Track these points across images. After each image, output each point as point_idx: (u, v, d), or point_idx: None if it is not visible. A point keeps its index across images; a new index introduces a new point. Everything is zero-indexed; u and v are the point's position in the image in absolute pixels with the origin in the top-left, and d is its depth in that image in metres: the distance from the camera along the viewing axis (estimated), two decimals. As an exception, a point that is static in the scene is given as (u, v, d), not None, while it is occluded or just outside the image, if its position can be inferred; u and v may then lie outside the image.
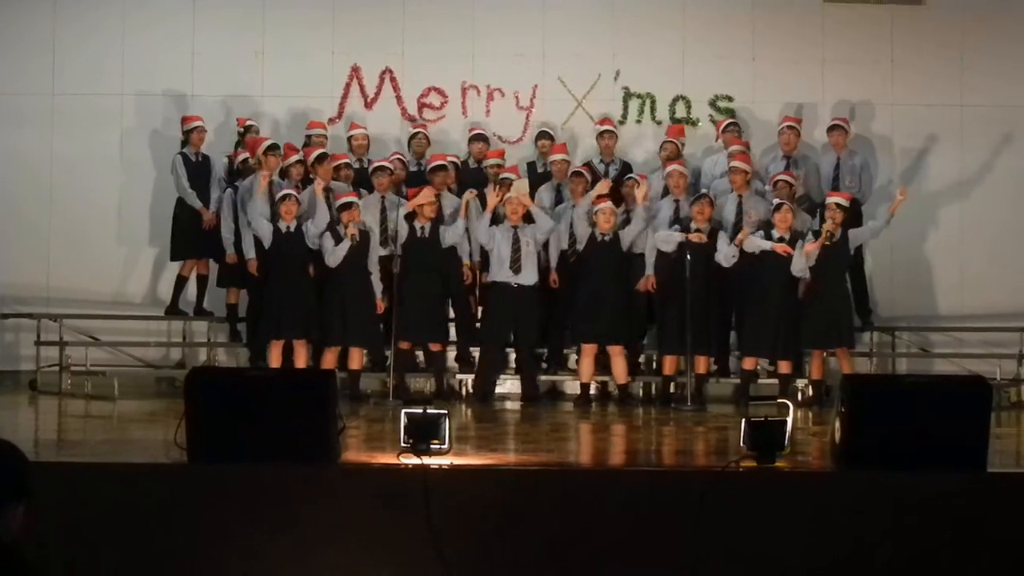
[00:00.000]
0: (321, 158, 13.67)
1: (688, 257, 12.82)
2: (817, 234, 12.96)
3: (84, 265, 15.05)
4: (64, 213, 15.21)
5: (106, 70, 15.31)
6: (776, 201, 13.27)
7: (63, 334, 14.28)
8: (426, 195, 13.31)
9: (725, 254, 13.02)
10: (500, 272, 13.20)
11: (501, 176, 13.83)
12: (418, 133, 14.70)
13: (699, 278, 12.92)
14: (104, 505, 8.16)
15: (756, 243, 13.01)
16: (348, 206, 12.97)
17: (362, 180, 14.06)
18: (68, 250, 15.11)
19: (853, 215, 13.58)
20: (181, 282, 14.49)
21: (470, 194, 13.61)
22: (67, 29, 15.38)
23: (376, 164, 13.87)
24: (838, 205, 13.07)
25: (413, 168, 14.43)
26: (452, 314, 13.85)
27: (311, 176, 13.65)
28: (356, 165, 14.31)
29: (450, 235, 13.35)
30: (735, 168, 13.69)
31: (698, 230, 13.06)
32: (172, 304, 14.54)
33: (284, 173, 13.63)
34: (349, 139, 14.62)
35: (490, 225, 13.31)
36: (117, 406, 12.88)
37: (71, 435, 11.61)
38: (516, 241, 13.19)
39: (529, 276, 13.22)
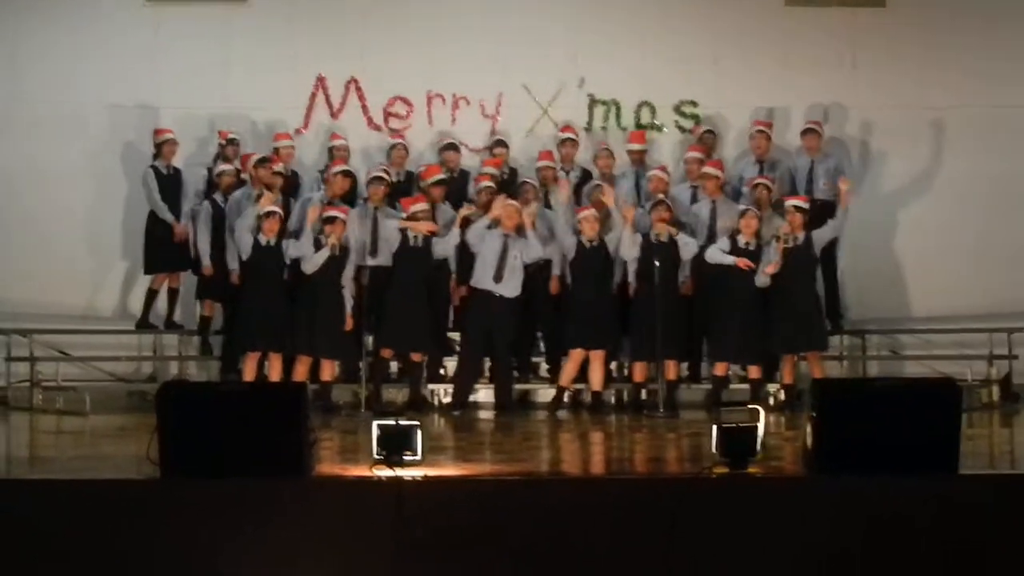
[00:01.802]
0: (347, 174, 13.80)
1: (656, 263, 12.83)
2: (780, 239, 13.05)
3: (53, 279, 14.93)
4: (30, 226, 15.11)
5: (69, 80, 15.26)
6: (741, 207, 13.33)
7: (33, 350, 14.21)
8: (421, 207, 13.36)
9: (687, 249, 13.23)
10: (483, 279, 13.14)
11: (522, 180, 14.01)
12: (397, 144, 14.69)
13: (668, 283, 12.97)
14: (77, 521, 8.11)
15: (718, 258, 13.08)
16: (333, 220, 13.03)
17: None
18: (36, 263, 14.96)
19: (824, 217, 13.63)
20: (152, 296, 14.43)
21: (467, 209, 13.55)
22: (29, 39, 15.32)
23: (374, 173, 13.86)
24: (796, 208, 13.17)
25: (393, 179, 14.36)
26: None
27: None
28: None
29: (441, 248, 13.35)
30: (706, 174, 13.78)
31: (658, 236, 13.13)
32: (143, 318, 14.48)
33: (266, 184, 13.65)
34: (331, 149, 14.58)
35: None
36: (89, 421, 12.79)
37: (43, 451, 11.52)
38: (504, 249, 13.13)
39: (511, 288, 13.15)
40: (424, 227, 13.23)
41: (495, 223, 13.27)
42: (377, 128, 15.42)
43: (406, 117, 15.52)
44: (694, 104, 15.47)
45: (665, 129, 15.45)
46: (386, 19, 15.51)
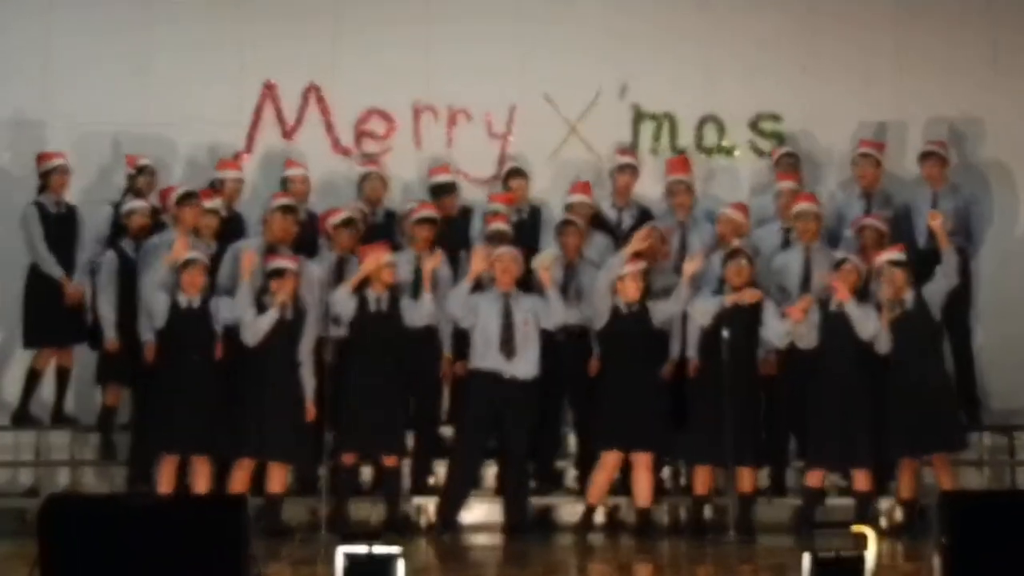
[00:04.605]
0: (288, 210, 13.63)
1: (724, 333, 12.77)
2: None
3: None
4: None
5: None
6: (839, 255, 13.29)
7: None
8: (377, 257, 13.22)
9: (776, 331, 13.04)
10: (486, 356, 13.13)
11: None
12: (370, 173, 14.65)
13: (742, 361, 12.91)
14: None
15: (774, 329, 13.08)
16: (280, 273, 12.95)
17: (303, 236, 14.01)
18: None
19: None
20: (34, 379, 14.35)
21: (435, 259, 13.47)
22: None
23: (342, 215, 13.77)
24: (893, 263, 13.06)
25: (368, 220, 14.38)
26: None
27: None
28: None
29: (414, 313, 13.28)
30: (803, 212, 13.68)
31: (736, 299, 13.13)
32: (20, 409, 14.37)
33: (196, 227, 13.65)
34: (284, 181, 14.51)
35: (471, 292, 13.28)
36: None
37: None
38: (507, 315, 13.14)
39: (526, 366, 13.15)
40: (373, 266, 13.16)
41: (488, 282, 13.33)
42: (345, 152, 15.51)
43: (385, 137, 15.64)
44: (776, 119, 15.53)
45: (737, 152, 15.43)
46: (359, 8, 15.63)
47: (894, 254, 13.16)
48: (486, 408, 13.11)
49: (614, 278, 13.22)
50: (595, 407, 13.26)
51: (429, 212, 13.88)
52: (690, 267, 13.24)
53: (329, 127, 15.59)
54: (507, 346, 13.05)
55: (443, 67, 15.57)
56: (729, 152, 15.53)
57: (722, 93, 15.59)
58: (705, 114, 15.59)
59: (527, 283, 13.39)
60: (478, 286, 13.33)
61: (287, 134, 15.56)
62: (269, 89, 15.55)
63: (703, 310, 13.10)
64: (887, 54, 15.63)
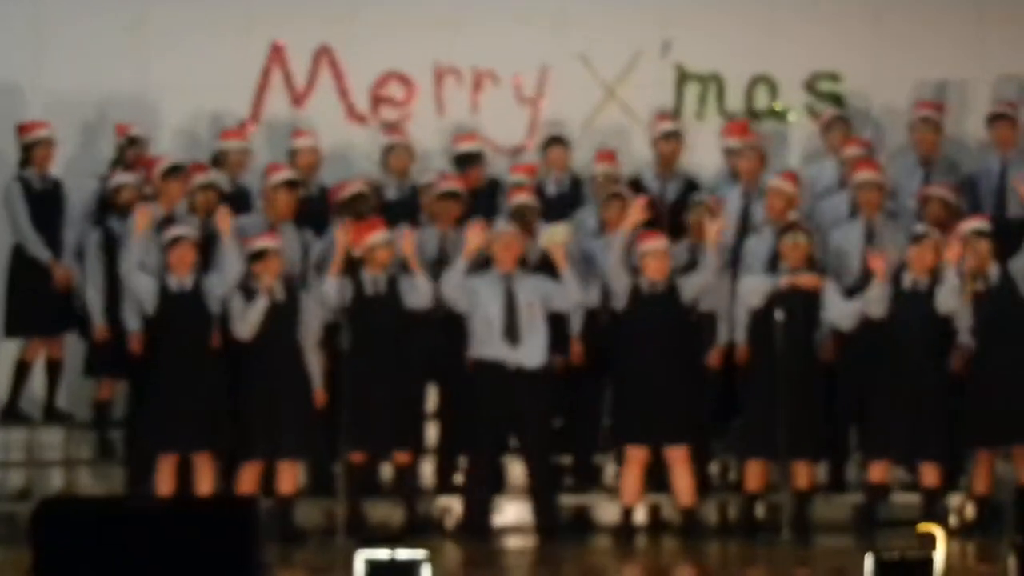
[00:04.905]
0: (291, 186, 13.68)
1: (778, 315, 12.76)
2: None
3: None
4: None
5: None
6: (920, 229, 13.20)
7: None
8: (348, 235, 13.21)
9: (842, 311, 13.01)
10: (488, 344, 13.17)
11: None
12: (396, 144, 14.66)
13: (798, 346, 12.88)
14: None
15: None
16: (262, 255, 12.95)
17: (314, 212, 14.07)
18: None
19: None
20: (23, 371, 14.37)
21: (409, 238, 13.44)
22: None
23: (351, 190, 13.77)
24: (978, 233, 13.04)
25: (392, 195, 14.44)
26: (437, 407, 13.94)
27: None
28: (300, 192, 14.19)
29: (414, 293, 13.29)
30: (865, 183, 13.63)
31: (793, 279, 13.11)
32: (9, 405, 14.40)
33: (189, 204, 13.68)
34: (293, 153, 14.52)
35: (468, 274, 13.28)
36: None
37: None
38: (510, 298, 13.15)
39: (533, 352, 13.20)
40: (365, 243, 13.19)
41: (484, 261, 13.33)
42: (361, 119, 15.47)
43: (404, 103, 15.63)
44: (835, 78, 15.46)
45: (791, 116, 15.38)
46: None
47: (979, 223, 13.16)
48: (493, 401, 13.14)
49: (621, 254, 13.22)
50: (615, 398, 13.34)
51: (454, 186, 13.90)
52: (713, 227, 13.21)
53: (343, 92, 15.59)
54: (511, 332, 13.08)
55: (467, 25, 15.53)
56: (782, 116, 15.48)
57: (774, 51, 15.54)
58: (756, 74, 15.54)
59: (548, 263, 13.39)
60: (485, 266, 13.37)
61: (296, 100, 15.57)
62: (277, 51, 15.55)
63: (753, 289, 13.09)
64: (952, 4, 15.57)
